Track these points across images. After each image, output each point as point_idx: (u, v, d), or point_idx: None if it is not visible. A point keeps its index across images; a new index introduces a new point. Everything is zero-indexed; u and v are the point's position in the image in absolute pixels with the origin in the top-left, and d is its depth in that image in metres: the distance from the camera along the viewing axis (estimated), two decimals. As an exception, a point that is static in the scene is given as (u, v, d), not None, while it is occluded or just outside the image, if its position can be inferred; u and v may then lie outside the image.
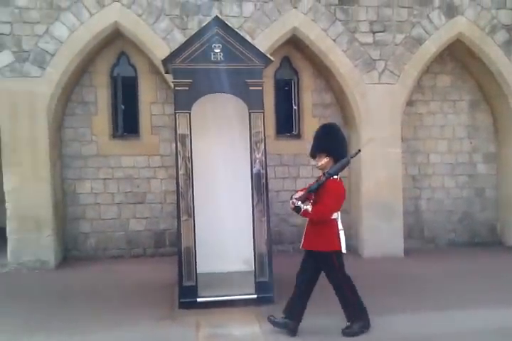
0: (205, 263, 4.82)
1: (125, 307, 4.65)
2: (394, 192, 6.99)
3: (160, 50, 6.41)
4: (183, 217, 4.63)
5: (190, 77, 4.64)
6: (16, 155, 6.32)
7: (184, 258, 4.60)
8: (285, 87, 7.60)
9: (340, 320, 4.06)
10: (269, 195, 4.96)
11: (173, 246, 6.50)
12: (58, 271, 6.25)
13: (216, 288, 4.79)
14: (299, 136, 7.46)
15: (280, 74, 7.46)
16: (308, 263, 4.09)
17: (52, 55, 6.42)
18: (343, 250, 4.04)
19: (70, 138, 6.99)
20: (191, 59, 4.62)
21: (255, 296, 4.62)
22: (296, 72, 7.47)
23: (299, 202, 3.98)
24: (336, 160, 4.03)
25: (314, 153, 4.16)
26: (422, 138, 7.62)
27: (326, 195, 3.93)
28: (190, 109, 4.67)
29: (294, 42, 7.16)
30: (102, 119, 7.06)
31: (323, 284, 4.10)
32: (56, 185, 6.62)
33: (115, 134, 7.14)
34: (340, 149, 4.11)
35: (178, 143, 4.68)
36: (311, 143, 4.23)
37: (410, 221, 7.44)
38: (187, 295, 4.53)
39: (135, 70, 7.21)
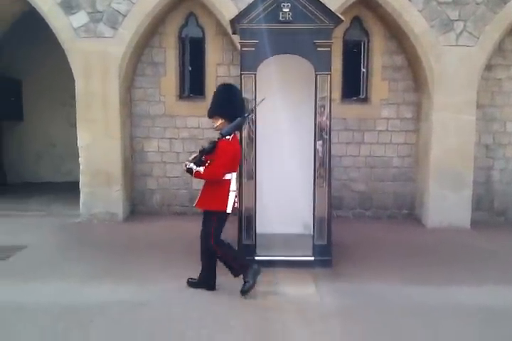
0: (265, 224, 4.91)
1: (187, 260, 4.85)
2: (464, 161, 6.67)
3: (228, 11, 6.35)
4: (245, 179, 4.70)
5: (256, 37, 4.58)
6: (90, 112, 6.61)
7: (244, 218, 4.71)
8: (354, 48, 7.32)
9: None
10: (332, 160, 4.91)
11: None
12: (126, 224, 6.63)
13: (274, 248, 4.88)
14: (366, 100, 7.23)
15: (349, 35, 7.17)
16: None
17: (124, 16, 6.53)
18: (228, 209, 4.06)
19: (139, 98, 7.19)
20: (259, 19, 4.55)
21: (312, 258, 4.68)
22: (366, 33, 7.15)
23: (191, 164, 4.01)
24: (231, 121, 4.05)
25: (210, 115, 4.22)
26: (499, 105, 7.12)
27: (217, 155, 3.96)
28: (255, 70, 4.64)
29: (366, 2, 6.82)
30: (169, 80, 7.18)
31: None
32: (126, 143, 6.90)
33: (182, 95, 7.28)
34: (235, 110, 4.11)
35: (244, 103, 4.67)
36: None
37: (480, 192, 7.09)
38: (245, 252, 4.66)
39: (203, 31, 7.21)
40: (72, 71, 6.62)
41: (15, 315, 3.58)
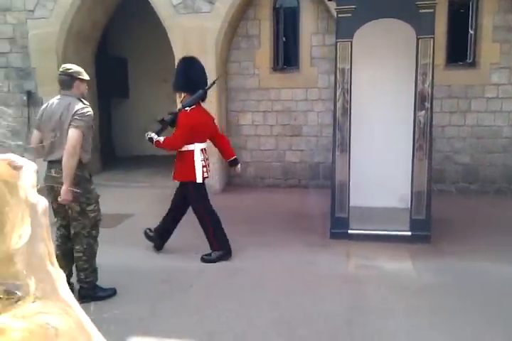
0: (359, 197, 4.80)
1: (280, 231, 4.94)
2: None
3: (323, -24, 6.13)
4: (338, 151, 4.60)
5: (353, 2, 4.39)
6: (187, 87, 6.82)
7: (337, 190, 4.64)
8: (460, 8, 6.72)
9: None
10: (433, 131, 4.58)
11: (326, 179, 6.59)
12: (222, 195, 6.85)
13: (368, 222, 4.78)
14: (473, 65, 6.65)
15: (456, -6, 6.60)
16: (178, 191, 4.35)
17: (219, -10, 6.59)
18: (198, 179, 4.13)
19: (234, 72, 7.28)
20: (355, -18, 4.33)
21: (409, 233, 4.50)
22: (475, -9, 6.52)
23: (152, 134, 4.17)
24: (193, 93, 4.11)
25: (173, 89, 4.36)
26: None
27: (177, 126, 4.08)
28: (351, 37, 4.46)
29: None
30: (264, 53, 7.17)
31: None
32: (222, 117, 7.06)
33: (276, 67, 7.25)
34: (194, 83, 4.13)
35: (338, 74, 4.55)
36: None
37: None
38: (338, 225, 4.61)
39: (298, 0, 7.05)
40: (172, 47, 6.85)
41: (126, 277, 3.89)
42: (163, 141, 4.19)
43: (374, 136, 5.12)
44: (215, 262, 4.18)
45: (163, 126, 4.22)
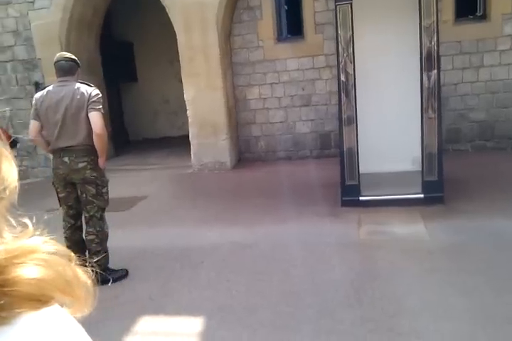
0: (369, 163, 4.69)
1: (292, 204, 4.90)
2: None
3: None
4: (345, 118, 4.49)
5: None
6: (192, 65, 6.75)
7: (346, 158, 4.56)
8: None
9: None
10: (446, 89, 4.44)
11: (338, 148, 6.47)
12: (234, 171, 6.85)
13: (380, 187, 4.68)
14: (484, 17, 6.35)
15: None
16: None
17: (218, -39, 6.38)
18: None
19: (238, 46, 7.15)
20: None
21: (422, 196, 4.40)
22: None
23: None
24: None
25: None
26: None
27: None
28: (351, -1, 4.27)
29: None
30: (267, 23, 7.00)
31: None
32: (228, 93, 6.98)
33: (280, 38, 7.08)
34: None
35: (339, 39, 4.40)
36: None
37: None
38: (349, 193, 4.54)
39: (297, -34, 6.82)
40: (174, 26, 6.75)
41: (137, 257, 3.95)
42: None
43: (381, 100, 4.96)
44: None
45: None
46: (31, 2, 7.06)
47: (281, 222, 4.46)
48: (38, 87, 7.23)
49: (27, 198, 5.20)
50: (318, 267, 3.45)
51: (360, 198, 4.50)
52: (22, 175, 7.52)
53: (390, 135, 4.90)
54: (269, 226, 4.39)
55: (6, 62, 7.39)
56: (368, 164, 4.70)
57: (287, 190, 5.45)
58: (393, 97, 4.99)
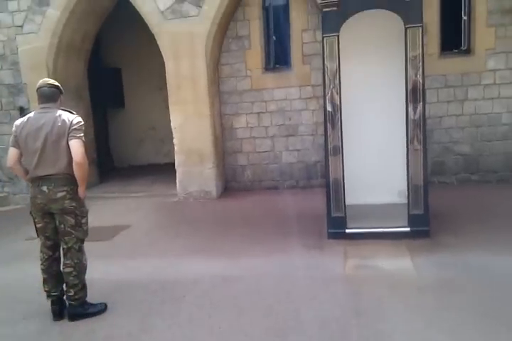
0: (355, 195, 4.68)
1: (277, 235, 4.83)
2: None
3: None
4: (331, 150, 4.48)
5: (338, -5, 4.27)
6: (180, 93, 6.75)
7: (332, 189, 4.52)
8: (452, -5, 6.57)
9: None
10: (431, 122, 4.48)
11: (324, 178, 6.46)
12: (219, 200, 6.76)
13: (366, 219, 4.64)
14: (468, 52, 6.49)
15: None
16: None
17: (208, -9, 6.48)
18: None
19: (226, 75, 7.19)
20: (338, -25, 4.22)
21: (408, 229, 4.36)
22: (466, -25, 6.37)
23: None
24: None
25: None
26: None
27: None
28: (338, 31, 4.36)
29: None
30: (255, 53, 7.07)
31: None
32: (215, 121, 6.97)
33: (267, 67, 7.16)
34: None
35: (326, 70, 4.44)
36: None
37: None
38: (335, 225, 4.49)
39: (287, -3, 6.96)
40: (162, 54, 6.78)
41: (116, 290, 3.80)
42: None
43: (367, 131, 4.99)
44: None
45: None
46: (20, 26, 7.07)
47: (267, 254, 4.37)
48: (23, 112, 7.16)
49: (7, 225, 5.07)
50: (304, 303, 3.35)
51: (347, 231, 4.44)
52: (3, 202, 7.36)
53: (376, 166, 4.91)
54: (254, 259, 4.30)
55: (-9, 86, 7.33)
56: (354, 195, 4.68)
57: (273, 220, 5.38)
58: (379, 128, 5.03)
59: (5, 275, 4.32)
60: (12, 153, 3.32)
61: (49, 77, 6.65)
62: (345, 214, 4.49)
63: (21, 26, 7.07)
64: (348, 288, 3.54)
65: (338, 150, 4.48)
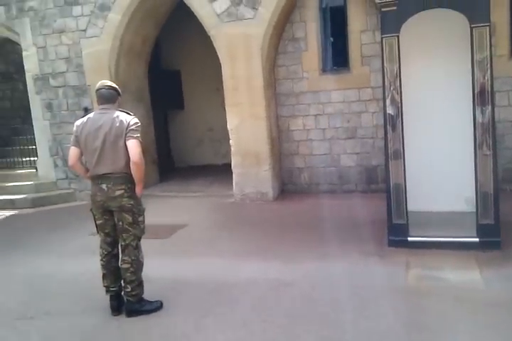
0: (417, 201, 4.47)
1: (335, 240, 4.70)
2: None
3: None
4: (392, 153, 4.30)
5: (398, -6, 4.11)
6: (236, 95, 6.77)
7: (393, 195, 4.33)
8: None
9: None
10: (501, 126, 4.21)
11: (385, 183, 6.24)
12: (276, 203, 6.71)
13: (430, 228, 4.42)
14: (542, 53, 6.07)
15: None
16: None
17: (264, -6, 6.47)
18: None
19: (282, 77, 7.13)
20: (399, -27, 4.06)
21: (477, 240, 4.09)
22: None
23: None
24: None
25: None
26: None
27: None
28: (398, 32, 4.19)
29: None
30: (311, 55, 6.98)
31: None
32: (272, 123, 6.93)
33: (325, 69, 7.04)
34: None
35: (386, 71, 4.28)
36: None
37: None
38: (397, 233, 4.30)
39: (344, -2, 6.82)
40: (219, 56, 6.83)
41: (172, 289, 3.83)
42: None
43: (430, 135, 4.76)
44: None
45: None
46: (83, 30, 7.35)
47: (323, 260, 4.25)
48: (87, 112, 7.45)
49: (73, 220, 5.27)
50: (361, 313, 3.22)
51: (409, 239, 4.24)
52: (70, 198, 7.68)
53: (440, 171, 4.67)
54: (309, 264, 4.20)
55: (58, 87, 7.66)
56: (416, 202, 4.47)
57: (330, 225, 5.25)
58: (443, 132, 4.79)
59: (70, 268, 4.48)
60: (73, 152, 3.42)
61: (111, 79, 6.95)
62: (407, 221, 4.29)
63: (85, 30, 7.35)
64: (409, 299, 3.36)
65: (399, 154, 4.29)
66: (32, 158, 8.20)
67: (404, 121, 4.27)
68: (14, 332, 3.31)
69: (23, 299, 3.85)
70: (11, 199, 7.56)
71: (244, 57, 6.68)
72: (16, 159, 8.36)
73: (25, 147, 8.28)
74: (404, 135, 4.28)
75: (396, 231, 4.32)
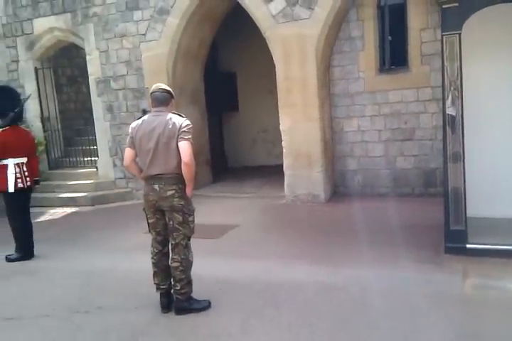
0: (477, 207, 4.25)
1: (387, 245, 4.55)
2: None
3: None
4: (451, 155, 4.11)
5: (460, -11, 3.93)
6: (290, 96, 6.73)
7: (451, 199, 4.13)
8: None
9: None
10: None
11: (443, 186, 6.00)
12: (327, 205, 6.60)
13: (490, 234, 4.18)
14: None
15: None
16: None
17: (322, -7, 6.38)
18: (10, 189, 4.91)
19: (337, 77, 7.03)
20: (461, -33, 3.87)
21: (542, 249, 3.82)
22: None
23: None
24: (4, 116, 4.92)
25: None
26: None
27: None
28: (460, 29, 4.00)
29: None
30: (368, 54, 6.83)
31: None
32: (325, 124, 6.83)
33: (382, 68, 6.86)
34: (5, 107, 4.93)
35: (446, 71, 4.10)
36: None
37: None
38: (454, 239, 4.09)
39: (404, -4, 6.61)
40: (273, 58, 6.82)
41: (220, 288, 3.84)
42: None
43: (493, 136, 4.51)
44: (14, 262, 4.96)
45: None
46: (143, 34, 7.58)
47: (374, 265, 4.12)
48: (145, 114, 7.67)
49: (129, 218, 5.44)
50: (413, 321, 3.08)
51: (467, 246, 4.02)
52: (127, 197, 7.95)
53: (503, 175, 4.40)
54: (359, 269, 4.08)
55: (119, 90, 7.95)
56: (476, 207, 4.25)
57: (383, 229, 5.09)
58: (506, 134, 4.52)
59: (124, 265, 4.62)
60: (128, 153, 3.53)
61: (168, 82, 7.13)
62: (465, 227, 4.07)
63: (144, 34, 7.58)
64: (465, 309, 3.19)
65: (459, 157, 4.08)
66: (93, 158, 8.54)
67: (464, 122, 4.07)
68: (70, 325, 3.44)
69: (79, 294, 4.00)
70: (72, 197, 7.93)
71: (298, 58, 6.63)
72: (78, 159, 8.75)
73: (87, 147, 8.63)
74: (465, 136, 4.07)
75: (454, 237, 4.11)
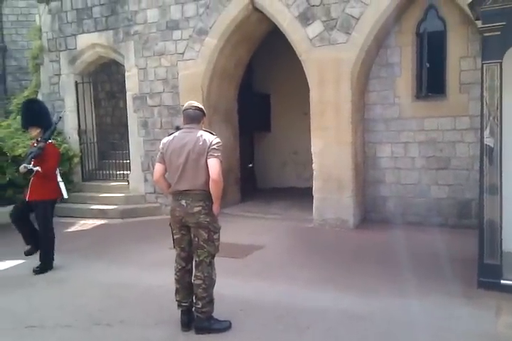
0: (515, 241, 4.06)
1: (416, 276, 4.39)
2: None
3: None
4: (487, 186, 3.98)
5: (503, 18, 3.87)
6: (323, 119, 6.70)
7: (487, 232, 3.98)
8: None
9: None
10: None
11: (478, 218, 5.80)
12: (356, 231, 6.46)
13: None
14: None
15: None
16: (25, 210, 5.02)
17: (357, 19, 6.41)
18: (65, 195, 5.18)
19: (372, 102, 6.97)
20: (506, -3, 3.82)
21: None
22: None
23: (29, 166, 4.80)
24: (44, 128, 5.05)
25: (26, 127, 5.21)
26: None
27: (47, 156, 4.92)
28: (501, 58, 3.93)
29: None
30: (405, 80, 6.77)
31: None
32: (357, 149, 6.75)
33: (418, 95, 6.77)
34: (45, 119, 5.14)
35: (485, 100, 4.01)
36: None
37: None
38: (488, 274, 3.92)
39: (444, 23, 6.57)
40: (308, 80, 6.84)
41: (242, 310, 3.78)
42: (43, 170, 4.88)
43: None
44: (38, 274, 4.93)
45: (31, 158, 4.85)
46: (181, 53, 7.75)
47: (402, 296, 3.98)
48: (178, 130, 7.78)
49: (156, 233, 5.46)
50: (443, 359, 2.94)
51: (502, 281, 3.84)
52: (156, 212, 8.00)
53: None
54: (386, 298, 3.95)
55: (154, 106, 8.11)
56: (513, 241, 4.06)
57: (413, 259, 4.91)
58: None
59: (148, 279, 4.61)
60: (158, 168, 3.55)
61: (202, 101, 7.23)
62: (501, 262, 3.90)
63: (182, 53, 7.74)
64: (499, 348, 3.02)
65: (496, 189, 3.95)
66: (125, 172, 8.68)
67: (503, 153, 3.95)
68: (90, 336, 3.44)
69: (101, 306, 4.00)
70: (102, 209, 8.04)
71: (333, 81, 6.62)
72: (111, 172, 8.91)
73: (121, 161, 8.78)
74: (503, 168, 3.95)
75: (487, 272, 3.94)
